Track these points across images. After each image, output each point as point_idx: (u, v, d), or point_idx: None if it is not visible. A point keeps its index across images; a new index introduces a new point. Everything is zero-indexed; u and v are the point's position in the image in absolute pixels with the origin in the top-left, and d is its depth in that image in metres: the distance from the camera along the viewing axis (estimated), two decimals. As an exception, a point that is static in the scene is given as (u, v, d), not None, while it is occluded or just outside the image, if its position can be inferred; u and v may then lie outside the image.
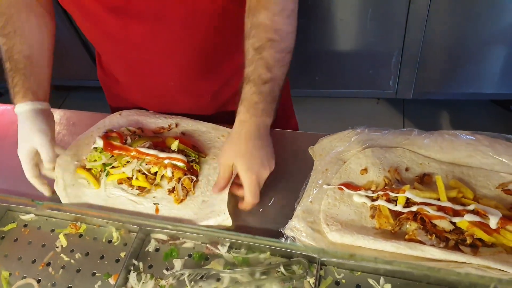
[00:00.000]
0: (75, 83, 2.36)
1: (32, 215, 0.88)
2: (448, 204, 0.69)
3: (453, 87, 1.77)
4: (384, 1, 1.50)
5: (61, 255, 0.81)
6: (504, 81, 1.71)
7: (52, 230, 0.86)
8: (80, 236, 0.84)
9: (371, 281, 0.68)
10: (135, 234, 0.80)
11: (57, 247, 0.82)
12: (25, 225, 0.87)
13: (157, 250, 0.79)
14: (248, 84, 0.74)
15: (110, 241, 0.82)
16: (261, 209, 0.81)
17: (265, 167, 0.75)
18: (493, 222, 0.65)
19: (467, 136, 0.81)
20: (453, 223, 0.67)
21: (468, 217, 0.66)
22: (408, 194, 0.70)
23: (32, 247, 0.83)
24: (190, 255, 0.77)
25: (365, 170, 0.79)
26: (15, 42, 0.86)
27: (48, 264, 0.80)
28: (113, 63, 1.01)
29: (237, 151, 0.75)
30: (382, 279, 0.68)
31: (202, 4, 0.79)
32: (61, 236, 0.84)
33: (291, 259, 0.72)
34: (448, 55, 1.66)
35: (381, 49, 1.66)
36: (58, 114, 1.13)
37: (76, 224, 0.86)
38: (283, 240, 0.72)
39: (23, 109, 0.84)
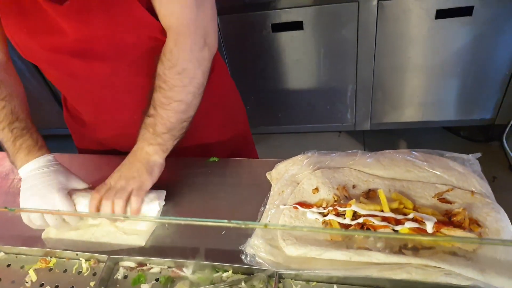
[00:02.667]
0: (44, 132, 2.38)
1: (1, 253, 0.90)
2: (390, 215, 0.77)
3: (407, 117, 1.92)
4: (334, 40, 1.66)
5: (31, 289, 0.83)
6: (453, 109, 1.87)
7: (22, 267, 0.87)
8: (50, 270, 0.86)
9: (325, 289, 0.74)
10: (104, 263, 0.83)
11: (27, 282, 0.84)
12: (-6, 263, 0.89)
13: (125, 277, 0.82)
14: (143, 114, 0.89)
15: (79, 272, 0.84)
16: (223, 232, 0.86)
17: (122, 181, 0.86)
18: (429, 227, 0.72)
19: (406, 156, 0.91)
20: (396, 231, 0.75)
21: (408, 224, 0.74)
22: (354, 207, 0.78)
23: (1, 285, 0.84)
24: (157, 279, 0.80)
25: (316, 189, 0.87)
26: (15, 104, 0.92)
27: (18, 299, 0.81)
28: (79, 103, 1.07)
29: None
30: (335, 287, 0.73)
31: (158, 43, 0.88)
32: (30, 271, 0.85)
33: (252, 275, 0.77)
34: (399, 86, 1.81)
35: (336, 85, 1.81)
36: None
37: (46, 258, 0.88)
38: (243, 257, 0.77)
39: (43, 163, 0.89)
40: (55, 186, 0.87)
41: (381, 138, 2.08)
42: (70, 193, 0.89)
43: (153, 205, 0.89)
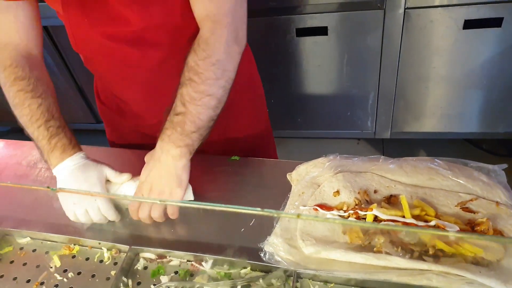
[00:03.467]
0: (75, 126, 2.45)
1: (28, 239, 0.93)
2: (412, 221, 0.76)
3: (428, 127, 1.90)
4: (358, 47, 1.66)
5: (55, 274, 0.85)
6: (476, 121, 1.84)
7: (47, 252, 0.90)
8: (73, 257, 0.89)
9: (343, 291, 0.74)
10: (125, 253, 0.85)
11: (51, 267, 0.86)
12: (21, 248, 0.92)
13: (145, 268, 0.84)
14: (166, 113, 0.86)
15: (101, 261, 0.87)
16: (242, 229, 0.88)
17: (154, 195, 0.85)
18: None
19: (429, 163, 0.90)
20: (419, 237, 0.75)
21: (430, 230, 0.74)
22: (375, 212, 0.78)
23: (27, 268, 0.87)
24: (176, 272, 0.82)
25: (338, 192, 0.87)
26: (50, 102, 0.93)
27: (42, 284, 0.84)
28: (128, 92, 1.07)
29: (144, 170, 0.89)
30: (353, 290, 0.73)
31: None
32: (55, 257, 0.88)
33: (270, 273, 0.77)
34: (421, 96, 1.80)
35: (358, 92, 1.80)
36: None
37: (69, 246, 0.90)
38: (262, 254, 0.78)
39: (77, 160, 0.89)
40: (94, 182, 0.88)
41: (400, 148, 2.07)
42: (107, 185, 0.92)
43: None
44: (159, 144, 0.87)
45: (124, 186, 0.92)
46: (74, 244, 0.91)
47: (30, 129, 0.91)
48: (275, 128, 2.05)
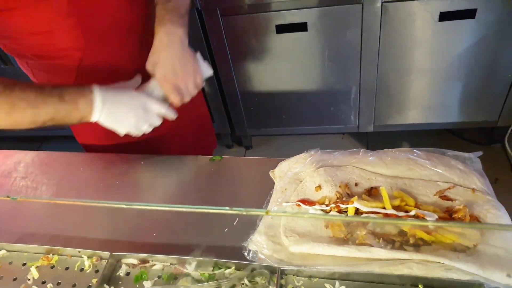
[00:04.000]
0: (47, 133, 2.40)
1: (3, 251, 0.90)
2: (392, 212, 0.77)
3: (410, 119, 1.91)
4: (338, 42, 1.66)
5: (33, 287, 0.83)
6: (456, 111, 1.87)
7: (24, 264, 0.88)
8: (52, 267, 0.87)
9: (327, 285, 0.73)
10: (107, 260, 0.84)
11: (29, 280, 0.84)
12: (-3, 261, 0.89)
13: (127, 274, 0.83)
14: (157, 6, 0.91)
15: (82, 270, 0.85)
16: (226, 229, 0.87)
17: (178, 73, 0.89)
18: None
19: (408, 154, 0.91)
20: (399, 228, 0.75)
21: (410, 221, 0.74)
22: (356, 204, 0.78)
23: (4, 282, 0.85)
24: (159, 276, 0.81)
25: (319, 187, 0.87)
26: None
27: (20, 296, 0.82)
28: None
29: (155, 61, 0.89)
30: (337, 283, 0.73)
31: None
32: (32, 269, 0.86)
33: (254, 271, 0.77)
34: (402, 88, 1.81)
35: (340, 87, 1.81)
36: (30, 156, 1.18)
37: (48, 256, 0.88)
38: (245, 253, 0.78)
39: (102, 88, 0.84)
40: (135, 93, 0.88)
41: (384, 140, 2.08)
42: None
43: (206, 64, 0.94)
44: (162, 30, 0.89)
45: (149, 87, 0.91)
46: (53, 254, 0.88)
47: (38, 109, 0.79)
48: (259, 126, 2.06)
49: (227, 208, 0.34)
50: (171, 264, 0.82)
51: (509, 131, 1.76)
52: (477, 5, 1.52)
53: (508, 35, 1.58)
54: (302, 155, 0.97)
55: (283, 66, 1.78)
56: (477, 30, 1.58)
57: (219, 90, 1.94)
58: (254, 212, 0.47)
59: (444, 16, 1.55)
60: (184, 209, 0.38)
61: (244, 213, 0.46)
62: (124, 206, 0.56)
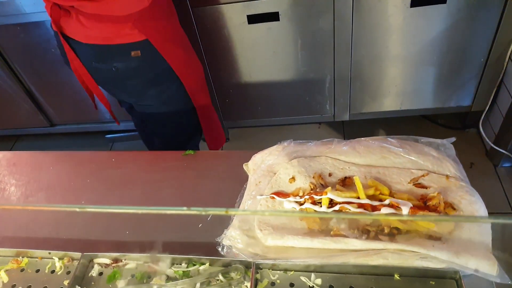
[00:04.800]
0: (20, 132, 2.33)
1: (-29, 256, 0.87)
2: (366, 201, 0.76)
3: (385, 106, 1.92)
4: (311, 31, 1.65)
5: (2, 291, 0.80)
6: (430, 97, 1.89)
7: (-8, 268, 0.84)
8: (22, 270, 0.84)
9: (303, 278, 0.73)
10: (78, 261, 0.81)
11: (-3, 284, 0.81)
12: (-37, 266, 0.85)
13: (100, 274, 0.80)
14: None
15: (53, 271, 0.82)
16: (200, 225, 0.85)
17: None
18: (404, 212, 0.72)
19: (382, 142, 0.91)
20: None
21: (384, 210, 0.74)
22: (330, 195, 0.77)
23: (-29, 287, 0.82)
24: (133, 275, 0.79)
25: (293, 178, 0.86)
26: None
27: (-12, 302, 0.79)
28: None
29: None
30: (313, 275, 0.73)
31: None
32: (2, 272, 0.83)
33: (229, 267, 0.76)
34: (376, 76, 1.81)
35: (314, 76, 1.80)
36: (-3, 156, 1.14)
37: (17, 259, 0.85)
38: (219, 249, 0.76)
39: None
40: None
41: (361, 128, 2.09)
42: None
43: None
44: None
45: None
46: (22, 257, 0.85)
47: None
48: (235, 118, 2.04)
49: (185, 208, 0.32)
50: (145, 262, 0.80)
51: (482, 116, 1.79)
52: (448, -10, 1.53)
53: (480, 20, 1.59)
54: (275, 147, 0.95)
55: (257, 57, 1.75)
56: (448, 15, 1.59)
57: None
58: (213, 211, 0.45)
59: (416, 2, 1.55)
60: (139, 211, 0.36)
61: (203, 213, 0.44)
62: (77, 210, 0.52)
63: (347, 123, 2.14)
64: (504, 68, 1.67)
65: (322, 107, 1.93)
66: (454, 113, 1.99)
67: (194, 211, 0.33)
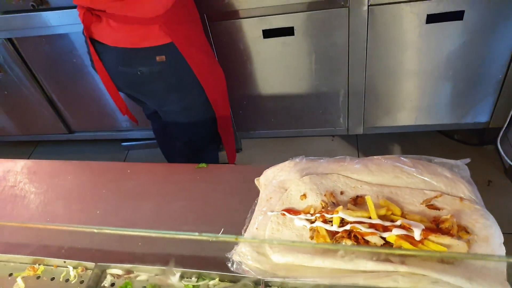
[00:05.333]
0: (40, 138, 2.39)
1: (-11, 262, 0.90)
2: (378, 221, 0.76)
3: (399, 120, 1.91)
4: (326, 45, 1.65)
5: (18, 297, 0.82)
6: (446, 112, 1.87)
7: (10, 274, 0.87)
8: (38, 277, 0.86)
9: (312, 297, 0.73)
10: (92, 271, 0.83)
11: (14, 291, 0.84)
12: (-19, 272, 0.88)
13: (112, 284, 0.82)
14: None
15: (67, 280, 0.84)
16: (211, 240, 0.86)
17: None
18: (416, 234, 0.72)
19: (395, 162, 0.91)
20: (383, 238, 0.74)
21: (396, 231, 0.73)
22: (341, 214, 0.77)
23: (-12, 293, 0.84)
24: (144, 287, 0.80)
25: (304, 195, 0.86)
26: None
27: (4, 308, 0.81)
28: None
29: None
30: (322, 294, 0.73)
31: None
32: (19, 279, 0.85)
33: (238, 283, 0.76)
34: (391, 90, 1.81)
35: (328, 90, 1.80)
36: (19, 164, 1.17)
37: (34, 266, 0.87)
38: (229, 264, 0.77)
39: None
40: None
41: (374, 142, 2.08)
42: None
43: None
44: None
45: None
46: (39, 264, 0.88)
47: None
48: (249, 129, 2.05)
49: (196, 233, 0.33)
50: (156, 274, 0.82)
51: (501, 132, 1.76)
52: (465, 6, 1.52)
53: (497, 36, 1.58)
54: (287, 163, 0.96)
55: (271, 70, 1.77)
56: (465, 31, 1.58)
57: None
58: (223, 238, 0.46)
59: (432, 18, 1.55)
60: (152, 234, 0.37)
61: (214, 239, 0.45)
62: (95, 231, 0.54)
63: (360, 137, 2.13)
64: (522, 85, 1.64)
65: (336, 120, 1.93)
66: (471, 129, 1.96)
67: (204, 236, 0.34)
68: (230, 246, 0.81)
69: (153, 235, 0.37)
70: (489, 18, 1.53)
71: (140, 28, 1.14)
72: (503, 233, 0.73)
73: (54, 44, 1.80)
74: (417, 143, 2.03)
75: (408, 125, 1.93)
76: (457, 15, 1.55)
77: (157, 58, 1.16)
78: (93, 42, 1.20)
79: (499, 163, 1.87)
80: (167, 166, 1.08)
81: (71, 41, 1.77)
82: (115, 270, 0.83)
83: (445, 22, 1.57)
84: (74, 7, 1.28)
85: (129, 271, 0.83)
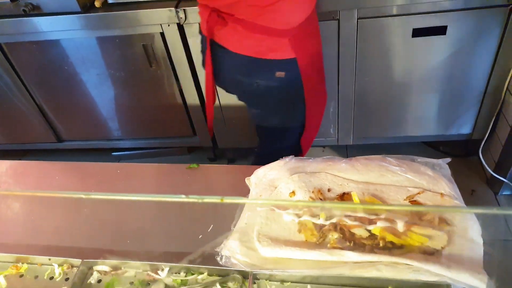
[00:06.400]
0: (29, 147, 2.37)
1: (-28, 259, 0.88)
2: (363, 215, 0.78)
3: (387, 132, 1.96)
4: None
5: (1, 295, 0.81)
6: (433, 124, 1.92)
7: (-7, 273, 0.86)
8: (21, 276, 0.85)
9: (299, 289, 0.74)
10: (78, 268, 0.82)
11: (-3, 289, 0.83)
12: (-36, 269, 0.87)
13: (99, 281, 0.81)
14: None
15: (51, 278, 0.83)
16: (200, 236, 0.87)
17: None
18: (400, 226, 0.74)
19: (380, 161, 0.93)
20: (369, 231, 0.76)
21: (380, 223, 0.75)
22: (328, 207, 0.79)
23: (-29, 291, 0.83)
24: (131, 283, 0.80)
25: (293, 192, 0.88)
26: None
27: (-13, 305, 0.80)
28: None
29: None
30: (309, 287, 0.74)
31: None
32: (1, 278, 0.84)
33: (227, 276, 0.77)
34: (379, 102, 1.85)
35: (318, 100, 1.85)
36: (4, 165, 1.17)
37: (17, 265, 0.86)
38: (218, 258, 0.78)
39: None
40: None
41: (363, 152, 2.07)
42: None
43: None
44: None
45: None
46: (22, 263, 0.87)
47: None
48: (237, 140, 2.08)
49: (183, 196, 0.35)
50: (144, 270, 0.82)
51: (482, 144, 1.81)
52: (448, 22, 1.58)
53: (478, 51, 1.64)
54: (277, 162, 0.98)
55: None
56: (448, 45, 1.64)
57: (200, 103, 1.95)
58: (208, 200, 0.48)
59: (417, 32, 1.61)
60: (142, 198, 0.38)
61: (200, 201, 0.46)
62: (83, 196, 0.55)
63: (350, 147, 2.17)
64: (502, 98, 1.70)
65: (327, 131, 1.97)
66: (456, 140, 2.01)
67: (191, 199, 0.35)
68: (220, 242, 0.82)
69: (142, 198, 0.37)
70: (471, 33, 1.59)
71: (269, 38, 1.09)
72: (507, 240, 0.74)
73: (45, 51, 1.81)
74: (404, 153, 2.06)
75: (396, 136, 1.98)
76: (440, 30, 1.61)
77: (277, 73, 1.14)
78: (211, 44, 1.16)
79: (481, 174, 1.92)
80: (158, 166, 1.09)
81: (63, 47, 1.78)
82: (102, 266, 0.83)
83: (429, 36, 1.63)
84: (67, 12, 1.30)
85: (116, 267, 0.83)
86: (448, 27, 1.60)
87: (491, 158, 1.83)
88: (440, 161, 0.90)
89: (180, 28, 1.68)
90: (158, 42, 1.73)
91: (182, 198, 0.36)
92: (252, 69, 1.15)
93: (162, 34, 1.70)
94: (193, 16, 1.62)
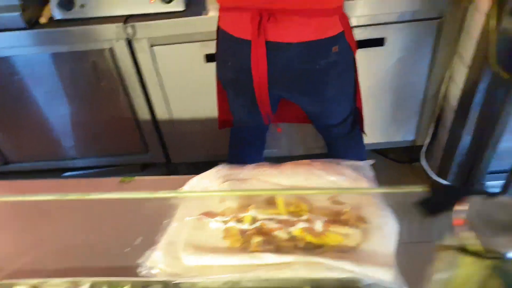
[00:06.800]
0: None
1: None
2: (285, 217, 0.80)
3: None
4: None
5: None
6: (379, 132, 1.99)
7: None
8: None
9: (223, 297, 0.74)
10: (-4, 288, 0.79)
11: None
12: None
13: (18, 301, 0.78)
14: None
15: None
16: (128, 249, 0.85)
17: None
18: (318, 226, 0.76)
19: (307, 166, 0.96)
20: (290, 233, 0.78)
21: (300, 225, 0.77)
22: (252, 212, 0.80)
23: None
24: (51, 300, 0.77)
25: (223, 199, 0.89)
26: None
27: None
28: None
29: None
30: (232, 293, 0.74)
31: None
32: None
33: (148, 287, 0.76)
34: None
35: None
36: None
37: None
38: (141, 270, 0.77)
39: None
40: None
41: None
42: None
43: None
44: None
45: None
46: None
47: None
48: (197, 153, 2.08)
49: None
50: None
51: (422, 150, 1.88)
52: (385, 34, 1.66)
53: (414, 61, 1.73)
54: (210, 171, 0.99)
55: (211, 94, 1.83)
56: (387, 56, 1.72)
57: (151, 118, 1.95)
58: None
59: (358, 44, 1.68)
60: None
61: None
62: None
63: (301, 158, 2.20)
64: (439, 105, 1.79)
65: (278, 143, 2.00)
66: (403, 148, 2.08)
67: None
68: (147, 254, 0.81)
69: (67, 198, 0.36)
70: (407, 44, 1.68)
71: (324, 20, 1.16)
72: (423, 242, 0.76)
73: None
74: (355, 162, 2.12)
75: (345, 145, 2.03)
76: (379, 42, 1.69)
77: (333, 48, 1.20)
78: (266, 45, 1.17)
79: (425, 178, 1.99)
80: (88, 181, 1.07)
81: (11, 64, 1.74)
82: (22, 287, 0.80)
83: (369, 48, 1.70)
84: (12, 29, 1.26)
85: (35, 287, 0.80)
86: (386, 39, 1.68)
87: (434, 163, 1.91)
88: (362, 163, 0.93)
89: (129, 43, 1.68)
90: (107, 58, 1.72)
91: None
92: (312, 52, 1.19)
93: (111, 50, 1.70)
94: (142, 31, 1.63)
